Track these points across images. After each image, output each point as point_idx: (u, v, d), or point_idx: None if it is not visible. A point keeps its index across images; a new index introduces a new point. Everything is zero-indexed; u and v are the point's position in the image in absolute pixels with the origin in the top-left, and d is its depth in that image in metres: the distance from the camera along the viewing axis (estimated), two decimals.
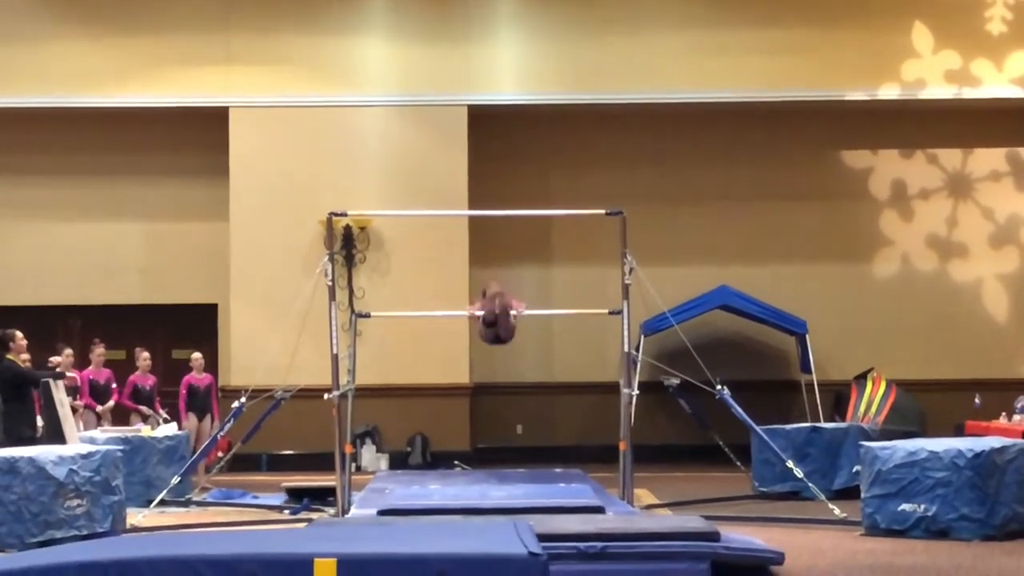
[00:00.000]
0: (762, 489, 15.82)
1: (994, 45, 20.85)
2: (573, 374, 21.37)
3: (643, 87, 20.56)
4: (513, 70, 20.88)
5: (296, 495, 15.29)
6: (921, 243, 21.79)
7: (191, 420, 17.98)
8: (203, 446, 16.27)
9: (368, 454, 20.03)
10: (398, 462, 20.03)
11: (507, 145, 21.13)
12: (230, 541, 8.88)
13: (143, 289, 21.34)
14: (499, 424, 21.34)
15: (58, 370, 15.86)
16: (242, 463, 18.58)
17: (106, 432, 16.21)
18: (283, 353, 16.48)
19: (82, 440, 15.00)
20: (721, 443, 16.06)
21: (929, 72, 20.82)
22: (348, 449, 14.43)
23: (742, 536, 10.68)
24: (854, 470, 14.91)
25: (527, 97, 20.81)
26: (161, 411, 17.94)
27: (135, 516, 13.67)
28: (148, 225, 21.35)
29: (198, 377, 18.32)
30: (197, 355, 18.60)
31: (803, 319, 20.28)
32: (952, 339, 21.39)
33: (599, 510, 11.97)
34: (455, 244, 20.21)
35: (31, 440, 14.27)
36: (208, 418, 18.25)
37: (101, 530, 12.18)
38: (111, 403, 17.90)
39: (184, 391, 18.17)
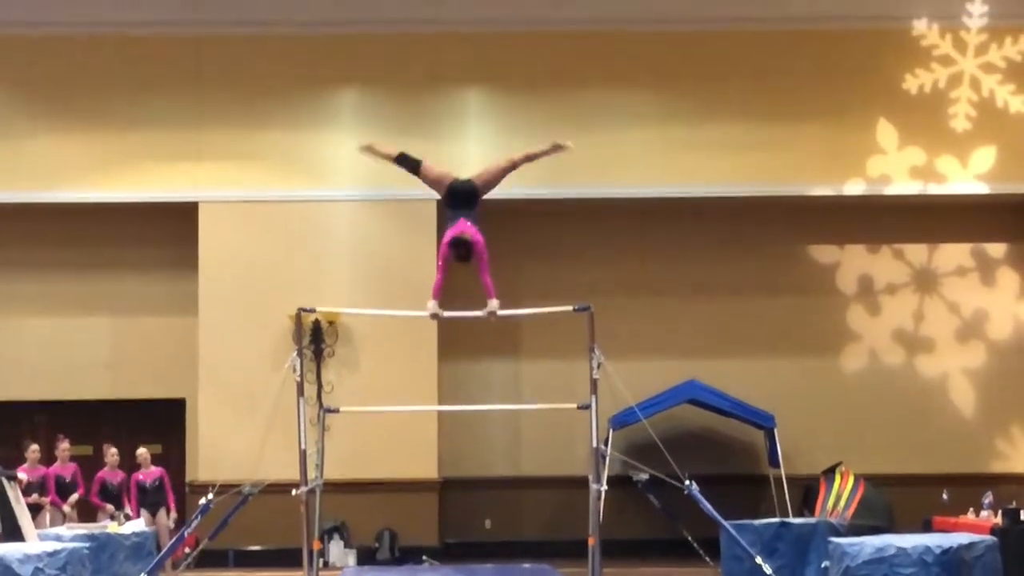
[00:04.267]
0: None
1: (958, 142, 21.05)
2: (542, 468, 21.27)
3: (611, 182, 20.67)
4: (482, 165, 20.91)
5: None
6: (888, 338, 21.87)
7: (144, 517, 17.69)
8: (169, 542, 16.15)
9: (336, 549, 19.88)
10: (366, 557, 19.90)
11: None
12: None
13: (110, 384, 21.20)
14: (468, 518, 21.20)
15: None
16: (209, 559, 18.39)
17: (72, 528, 16.08)
18: (251, 448, 16.38)
19: (48, 537, 14.85)
20: (690, 538, 15.98)
21: (894, 168, 21.01)
22: (316, 545, 14.35)
23: None
24: (823, 566, 14.82)
25: (495, 192, 20.82)
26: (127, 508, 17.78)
27: None
28: (116, 320, 21.25)
29: (145, 472, 18.12)
30: (142, 450, 18.40)
31: (771, 413, 20.29)
32: (920, 434, 21.39)
33: None
34: (424, 338, 20.16)
35: None
36: (163, 511, 18.03)
37: None
38: (75, 497, 17.74)
39: (134, 489, 18.02)
